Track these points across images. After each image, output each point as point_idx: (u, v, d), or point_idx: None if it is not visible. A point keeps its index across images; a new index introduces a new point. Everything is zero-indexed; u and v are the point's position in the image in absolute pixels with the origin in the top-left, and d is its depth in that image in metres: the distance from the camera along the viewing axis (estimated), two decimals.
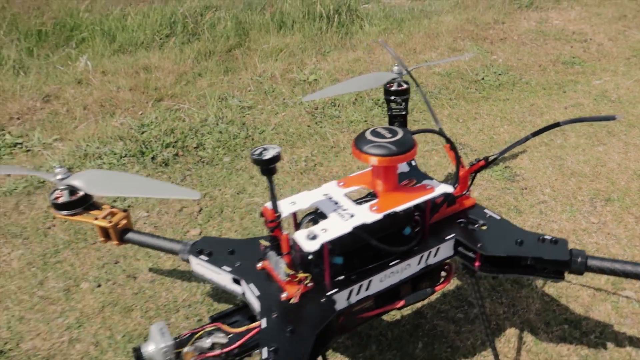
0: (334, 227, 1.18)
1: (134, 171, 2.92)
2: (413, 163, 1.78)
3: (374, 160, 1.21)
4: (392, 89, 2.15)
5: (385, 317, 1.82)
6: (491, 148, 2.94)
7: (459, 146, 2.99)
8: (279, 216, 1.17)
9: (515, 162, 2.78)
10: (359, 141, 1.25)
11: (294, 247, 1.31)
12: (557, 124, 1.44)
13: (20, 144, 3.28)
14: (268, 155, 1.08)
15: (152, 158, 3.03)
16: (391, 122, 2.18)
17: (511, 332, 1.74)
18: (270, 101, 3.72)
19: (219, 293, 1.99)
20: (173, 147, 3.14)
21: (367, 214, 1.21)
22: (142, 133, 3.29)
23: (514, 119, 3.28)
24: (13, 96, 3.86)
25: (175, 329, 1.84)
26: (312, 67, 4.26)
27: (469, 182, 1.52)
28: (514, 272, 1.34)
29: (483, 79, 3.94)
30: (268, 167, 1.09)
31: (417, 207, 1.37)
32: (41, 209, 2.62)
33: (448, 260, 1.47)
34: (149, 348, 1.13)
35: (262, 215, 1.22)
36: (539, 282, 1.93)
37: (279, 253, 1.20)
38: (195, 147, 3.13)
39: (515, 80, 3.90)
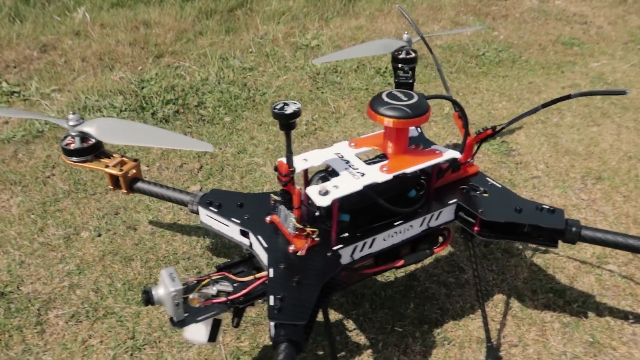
0: (345, 185, 1.22)
1: None
2: (419, 130, 1.81)
3: (388, 122, 1.24)
4: (400, 56, 2.17)
5: (379, 278, 1.89)
6: (489, 122, 2.97)
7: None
8: (293, 171, 1.21)
9: (512, 137, 2.83)
10: (375, 102, 1.28)
11: (303, 202, 1.35)
12: (568, 96, 1.48)
13: (18, 92, 3.25)
14: (289, 110, 1.10)
15: (152, 114, 3.02)
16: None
17: (499, 298, 1.82)
18: (272, 64, 3.70)
19: (218, 247, 2.04)
20: (174, 104, 3.13)
21: (378, 174, 1.26)
22: (142, 88, 3.27)
23: (512, 95, 3.31)
24: (9, 44, 3.79)
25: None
26: (314, 32, 4.22)
27: (474, 151, 1.56)
28: (511, 238, 1.40)
29: (484, 54, 3.94)
30: (288, 122, 1.11)
31: (423, 171, 1.42)
32: (40, 158, 2.62)
33: (447, 225, 1.53)
34: (159, 291, 1.17)
35: (276, 169, 1.25)
36: (528, 252, 2.01)
37: (289, 207, 1.24)
38: (196, 106, 3.13)
39: (515, 57, 3.91)
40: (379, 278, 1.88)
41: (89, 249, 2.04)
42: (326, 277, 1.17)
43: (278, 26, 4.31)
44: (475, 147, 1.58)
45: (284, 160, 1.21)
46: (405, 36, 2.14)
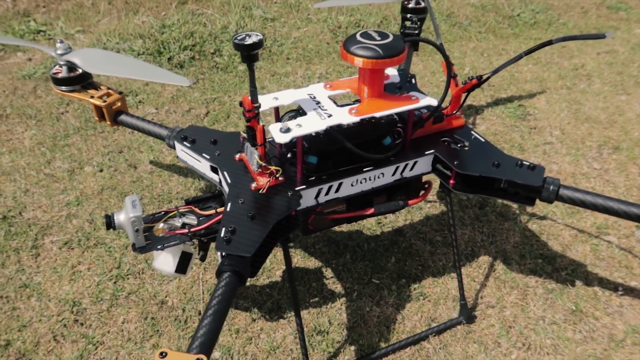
0: (309, 124, 1.19)
1: None
2: (413, 81, 1.75)
3: (359, 62, 1.19)
4: (410, 6, 2.08)
5: (364, 231, 1.87)
6: (509, 86, 2.84)
7: (477, 79, 2.89)
8: (258, 107, 1.19)
9: (531, 101, 2.70)
10: (348, 42, 1.23)
11: (272, 142, 1.34)
12: (549, 42, 1.39)
13: (44, 31, 3.33)
14: (250, 40, 1.07)
15: (169, 59, 3.04)
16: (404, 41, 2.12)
17: (484, 259, 1.77)
18: (294, 15, 3.63)
19: (212, 189, 2.07)
20: (190, 50, 3.13)
21: (345, 116, 1.22)
22: (162, 34, 3.28)
23: (541, 59, 3.14)
24: None
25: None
26: None
27: (461, 102, 1.50)
28: (487, 194, 1.34)
29: (519, 15, 3.73)
30: (249, 54, 1.09)
31: (401, 118, 1.37)
32: (57, 95, 2.70)
33: (428, 179, 1.49)
34: (120, 216, 1.20)
35: (241, 104, 1.23)
36: (524, 217, 1.94)
37: (254, 144, 1.23)
38: (212, 53, 3.12)
39: (553, 20, 3.68)
40: (365, 231, 1.87)
41: (90, 182, 2.11)
42: (281, 216, 1.16)
43: None
44: (462, 98, 1.51)
45: (248, 95, 1.19)
46: None
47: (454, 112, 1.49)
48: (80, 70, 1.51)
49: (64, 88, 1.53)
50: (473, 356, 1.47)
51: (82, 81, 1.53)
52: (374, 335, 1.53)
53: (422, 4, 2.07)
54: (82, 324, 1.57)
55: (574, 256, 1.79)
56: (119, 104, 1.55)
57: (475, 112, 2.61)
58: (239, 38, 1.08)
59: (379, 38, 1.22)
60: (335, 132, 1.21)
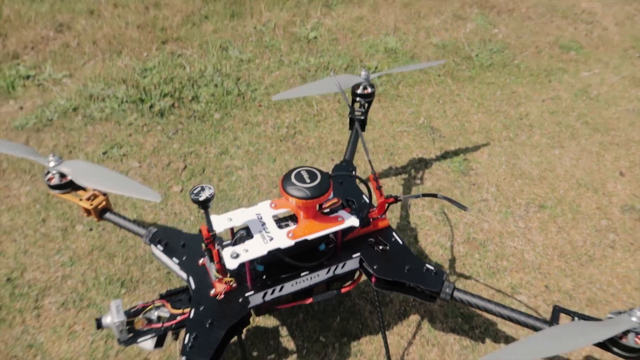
0: (253, 249, 1.51)
1: (132, 118, 3.22)
2: (354, 172, 2.07)
3: (292, 201, 1.51)
4: (358, 91, 2.38)
5: None
6: (458, 137, 3.17)
7: (431, 130, 3.22)
8: (213, 235, 1.50)
9: (475, 154, 3.03)
10: (285, 181, 1.54)
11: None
12: (434, 195, 1.70)
13: (33, 76, 3.57)
14: (204, 196, 1.38)
15: (150, 107, 3.32)
16: (351, 125, 2.43)
17: (413, 319, 2.13)
18: (268, 56, 3.91)
19: None
20: (171, 97, 3.41)
21: (283, 240, 1.54)
22: (144, 77, 3.55)
23: (490, 107, 3.46)
24: (28, 23, 4.08)
25: (146, 279, 2.26)
26: (315, 21, 4.36)
27: (385, 209, 1.81)
28: (399, 291, 1.68)
29: (477, 55, 4.04)
30: (205, 205, 1.40)
31: None
32: (48, 147, 2.98)
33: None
34: (107, 320, 1.52)
35: (200, 232, 1.54)
36: (452, 277, 2.30)
37: (212, 261, 1.55)
38: (190, 100, 3.40)
39: (507, 61, 4.00)
40: None
41: (81, 242, 2.43)
42: (233, 321, 1.49)
43: (281, 13, 4.46)
44: (385, 207, 1.81)
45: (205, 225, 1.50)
46: (363, 73, 2.34)
47: (379, 216, 1.81)
48: (69, 178, 1.80)
49: (56, 191, 1.82)
50: None
51: (71, 185, 1.83)
52: None
53: (370, 90, 2.37)
54: None
55: (488, 316, 2.15)
56: (104, 203, 1.86)
57: (425, 165, 2.94)
58: (195, 192, 1.39)
59: (309, 180, 1.53)
60: (275, 252, 1.54)
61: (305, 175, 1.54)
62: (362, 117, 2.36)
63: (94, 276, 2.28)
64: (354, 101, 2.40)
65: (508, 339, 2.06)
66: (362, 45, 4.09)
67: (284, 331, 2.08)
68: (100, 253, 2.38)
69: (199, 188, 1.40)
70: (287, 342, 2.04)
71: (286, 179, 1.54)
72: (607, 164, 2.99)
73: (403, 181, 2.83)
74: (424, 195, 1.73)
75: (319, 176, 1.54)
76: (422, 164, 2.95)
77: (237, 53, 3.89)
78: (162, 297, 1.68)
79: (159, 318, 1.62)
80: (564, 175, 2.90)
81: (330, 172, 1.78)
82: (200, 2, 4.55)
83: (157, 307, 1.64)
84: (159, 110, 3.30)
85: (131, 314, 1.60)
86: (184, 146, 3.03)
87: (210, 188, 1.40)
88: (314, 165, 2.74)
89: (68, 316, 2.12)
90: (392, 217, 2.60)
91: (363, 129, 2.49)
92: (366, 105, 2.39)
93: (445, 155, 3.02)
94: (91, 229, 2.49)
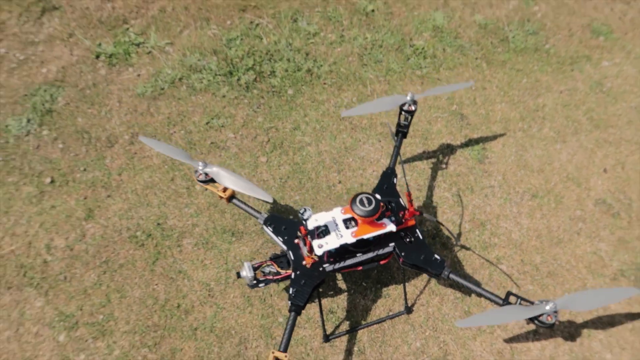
0: (330, 242, 2.53)
1: (224, 90, 4.10)
2: (395, 180, 2.99)
3: (356, 217, 2.49)
4: (404, 108, 3.20)
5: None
6: (481, 125, 3.96)
7: (460, 117, 4.01)
8: (307, 232, 2.51)
9: (492, 144, 3.86)
10: (353, 203, 2.50)
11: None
12: (441, 223, 2.63)
13: (142, 43, 4.40)
14: (306, 216, 2.36)
15: (237, 79, 4.17)
16: (397, 132, 3.28)
17: (424, 277, 3.19)
18: (332, 29, 4.58)
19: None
20: (252, 71, 4.23)
21: (349, 237, 2.55)
22: (230, 48, 4.35)
23: (514, 96, 4.17)
24: None
25: (248, 231, 3.35)
26: None
27: (412, 215, 2.76)
28: (417, 269, 2.71)
29: (514, 37, 4.60)
30: (305, 220, 2.39)
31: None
32: (164, 114, 3.94)
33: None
34: (243, 273, 2.62)
35: (299, 231, 2.56)
36: (456, 248, 3.31)
37: (304, 245, 2.59)
38: (268, 75, 4.22)
39: (539, 45, 4.56)
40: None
41: (201, 199, 3.50)
42: (316, 281, 2.57)
43: None
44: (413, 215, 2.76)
45: (304, 225, 2.49)
46: (409, 94, 3.14)
47: (409, 218, 2.78)
48: (211, 176, 2.81)
49: (202, 184, 2.84)
50: (406, 332, 2.99)
51: (212, 181, 2.84)
52: (360, 315, 3.04)
53: (413, 107, 3.18)
54: (211, 297, 3.10)
55: (477, 277, 3.20)
56: (232, 192, 2.88)
57: (451, 151, 3.81)
58: (301, 212, 2.37)
59: (367, 205, 2.48)
60: (344, 245, 2.56)
61: (365, 201, 2.50)
62: (406, 130, 3.21)
63: (212, 226, 3.38)
64: (400, 114, 3.23)
65: (482, 301, 3.13)
66: (413, 21, 4.68)
67: (339, 278, 3.19)
68: (215, 209, 3.46)
69: (304, 209, 2.39)
70: (342, 285, 3.16)
71: (353, 201, 2.50)
72: (596, 160, 3.78)
73: (432, 165, 3.72)
74: (438, 222, 2.71)
75: (373, 202, 2.50)
76: (448, 150, 3.82)
77: (305, 25, 4.57)
78: (271, 259, 2.76)
79: (270, 272, 2.72)
80: (558, 169, 3.73)
81: (379, 197, 2.69)
82: None
83: (268, 265, 2.74)
84: (245, 84, 4.15)
85: (254, 269, 2.70)
86: (266, 121, 3.94)
87: (309, 210, 2.38)
88: (365, 143, 3.66)
89: (199, 253, 3.26)
90: (420, 196, 3.55)
91: (405, 136, 3.33)
92: (409, 118, 3.23)
93: (468, 143, 3.86)
94: (206, 189, 3.55)
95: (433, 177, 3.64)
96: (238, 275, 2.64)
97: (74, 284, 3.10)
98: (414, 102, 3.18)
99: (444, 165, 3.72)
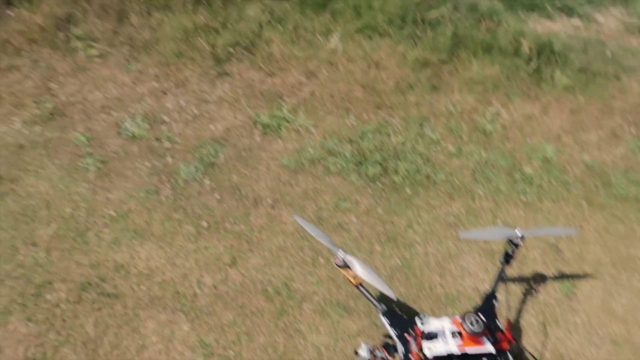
0: (438, 348, 3.07)
1: (353, 177, 4.79)
2: (495, 302, 3.51)
3: (463, 332, 3.03)
4: (513, 241, 3.72)
5: None
6: (574, 263, 4.40)
7: (556, 250, 4.47)
8: (422, 335, 3.07)
9: (581, 282, 4.28)
10: (463, 319, 3.04)
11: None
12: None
13: (293, 120, 5.21)
14: (424, 321, 2.93)
15: (366, 169, 4.86)
16: (504, 258, 3.79)
17: None
18: (452, 140, 5.22)
19: None
20: (380, 165, 4.91)
21: (455, 348, 3.08)
22: (363, 140, 5.07)
23: (607, 241, 4.59)
24: (288, 65, 5.64)
25: (357, 310, 3.94)
26: (494, 111, 5.51)
27: (511, 340, 3.26)
28: None
29: (617, 183, 5.04)
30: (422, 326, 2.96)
31: None
32: (302, 188, 4.65)
33: None
34: (361, 353, 3.21)
35: (412, 330, 3.13)
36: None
37: (415, 343, 3.15)
38: (392, 171, 4.89)
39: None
40: None
41: (322, 272, 4.14)
42: None
43: (469, 95, 5.64)
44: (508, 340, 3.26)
45: (419, 327, 3.05)
46: (518, 231, 3.68)
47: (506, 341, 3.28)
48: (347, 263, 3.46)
49: (339, 267, 3.49)
50: None
51: (347, 266, 3.48)
52: None
53: (521, 243, 3.70)
54: (325, 358, 3.70)
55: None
56: (359, 279, 3.51)
57: (542, 281, 4.28)
58: (422, 316, 2.95)
59: (475, 324, 3.02)
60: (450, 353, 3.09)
61: (473, 320, 3.04)
62: (510, 260, 3.74)
63: (329, 297, 4.00)
64: (509, 244, 3.76)
65: None
66: (525, 148, 5.24)
67: None
68: (333, 283, 4.09)
69: (424, 315, 2.95)
70: None
71: (464, 318, 3.05)
72: None
73: (524, 289, 4.20)
74: (526, 350, 3.20)
75: (481, 323, 3.04)
76: (540, 279, 4.29)
77: (429, 132, 5.24)
78: (382, 346, 3.34)
79: (380, 357, 3.29)
80: None
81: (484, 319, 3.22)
82: (409, 69, 5.82)
83: (379, 351, 3.31)
84: (373, 176, 4.83)
85: (371, 352, 3.28)
86: (385, 213, 4.58)
87: (428, 316, 2.95)
88: (467, 254, 4.21)
89: (315, 319, 3.88)
90: (509, 315, 4.02)
91: (508, 262, 3.85)
92: (516, 249, 3.76)
93: (559, 276, 4.31)
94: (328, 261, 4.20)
95: (523, 301, 4.11)
96: (356, 353, 3.24)
97: (214, 318, 3.79)
98: (522, 238, 3.72)
99: (534, 292, 4.19)
